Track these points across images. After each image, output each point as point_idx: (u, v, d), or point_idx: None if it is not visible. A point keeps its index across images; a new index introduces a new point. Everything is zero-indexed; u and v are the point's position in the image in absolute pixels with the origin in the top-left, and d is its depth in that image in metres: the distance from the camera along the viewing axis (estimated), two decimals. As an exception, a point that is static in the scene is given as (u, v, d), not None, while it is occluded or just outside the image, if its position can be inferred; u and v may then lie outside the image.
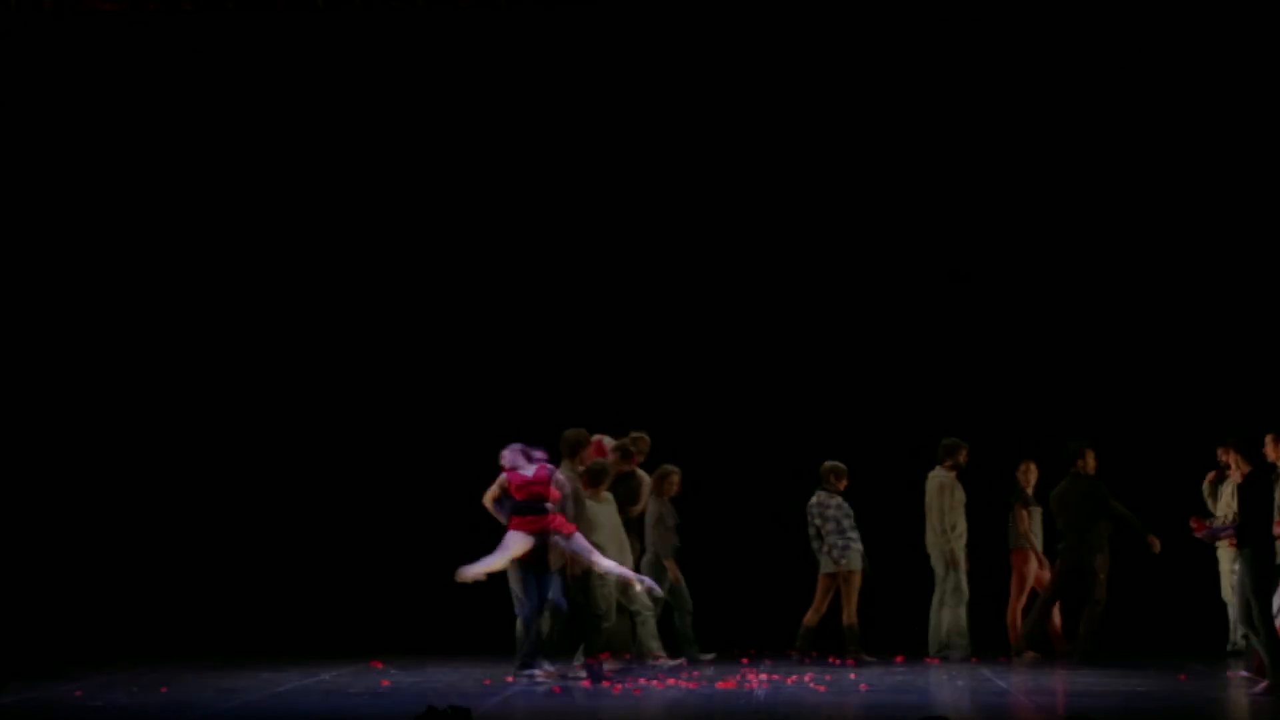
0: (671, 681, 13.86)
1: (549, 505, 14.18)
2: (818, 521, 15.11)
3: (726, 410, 16.70)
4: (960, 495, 15.22)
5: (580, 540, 13.96)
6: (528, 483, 14.17)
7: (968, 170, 16.54)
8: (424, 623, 16.41)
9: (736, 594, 16.32)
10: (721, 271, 16.75)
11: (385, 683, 14.05)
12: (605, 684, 13.72)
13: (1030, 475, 15.31)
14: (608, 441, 14.76)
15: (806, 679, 13.89)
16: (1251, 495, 12.56)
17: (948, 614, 15.27)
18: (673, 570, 15.06)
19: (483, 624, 16.33)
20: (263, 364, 16.83)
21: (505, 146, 16.65)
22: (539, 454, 14.43)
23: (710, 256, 16.73)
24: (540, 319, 16.76)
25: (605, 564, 13.92)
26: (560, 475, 14.20)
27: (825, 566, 15.12)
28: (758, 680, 13.90)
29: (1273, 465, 13.98)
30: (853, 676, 14.15)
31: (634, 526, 14.82)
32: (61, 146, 15.98)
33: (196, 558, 16.60)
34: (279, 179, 16.74)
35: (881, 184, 16.63)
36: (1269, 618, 12.54)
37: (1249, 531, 12.54)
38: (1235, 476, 13.98)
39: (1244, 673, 13.47)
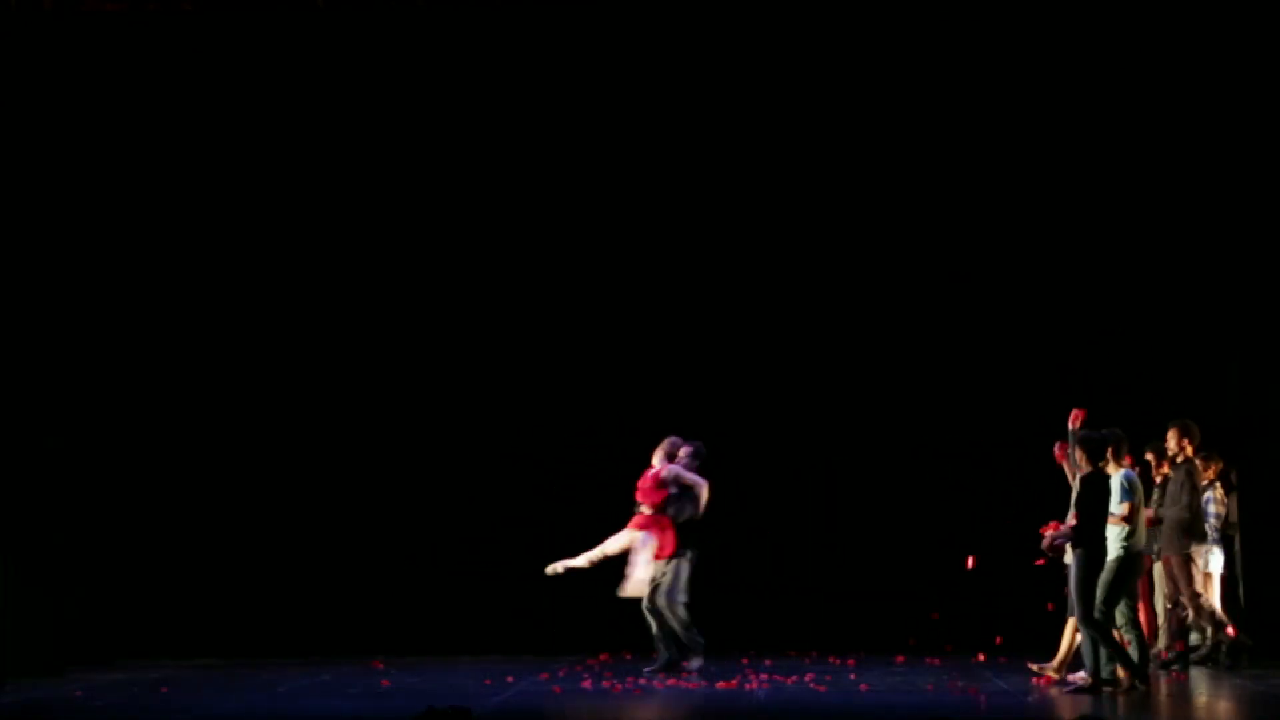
0: (672, 681, 13.87)
1: (641, 507, 14.31)
2: None
3: (726, 410, 16.68)
4: None
5: (638, 536, 14.27)
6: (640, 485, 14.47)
7: (968, 170, 16.52)
8: (424, 623, 16.41)
9: (736, 594, 16.34)
10: (722, 273, 16.74)
11: (385, 683, 14.06)
12: (606, 684, 13.75)
13: None
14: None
15: (807, 679, 13.89)
16: (1088, 496, 12.67)
17: None
18: None
19: (483, 624, 16.37)
20: (263, 364, 16.82)
21: (506, 147, 16.64)
22: (684, 449, 14.47)
23: (711, 258, 16.72)
24: (540, 320, 16.75)
25: (638, 574, 14.24)
26: (670, 472, 14.36)
27: None
28: (758, 680, 13.91)
29: (1171, 459, 14.30)
30: (853, 677, 14.16)
31: None
32: (62, 147, 15.96)
33: (196, 558, 16.60)
34: (280, 179, 16.73)
35: (882, 183, 16.62)
36: (1092, 617, 12.61)
37: (1083, 532, 12.65)
38: (1155, 476, 14.27)
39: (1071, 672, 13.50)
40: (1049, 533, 13.07)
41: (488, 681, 13.96)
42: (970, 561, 14.01)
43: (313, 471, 16.66)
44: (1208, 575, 14.56)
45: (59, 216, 15.84)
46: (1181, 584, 14.19)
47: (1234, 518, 15.37)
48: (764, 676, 14.10)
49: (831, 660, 15.31)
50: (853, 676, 14.16)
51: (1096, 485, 12.72)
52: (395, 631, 16.42)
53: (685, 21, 16.33)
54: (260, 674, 14.87)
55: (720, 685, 13.64)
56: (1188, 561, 14.21)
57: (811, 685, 13.59)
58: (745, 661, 15.22)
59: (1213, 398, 16.01)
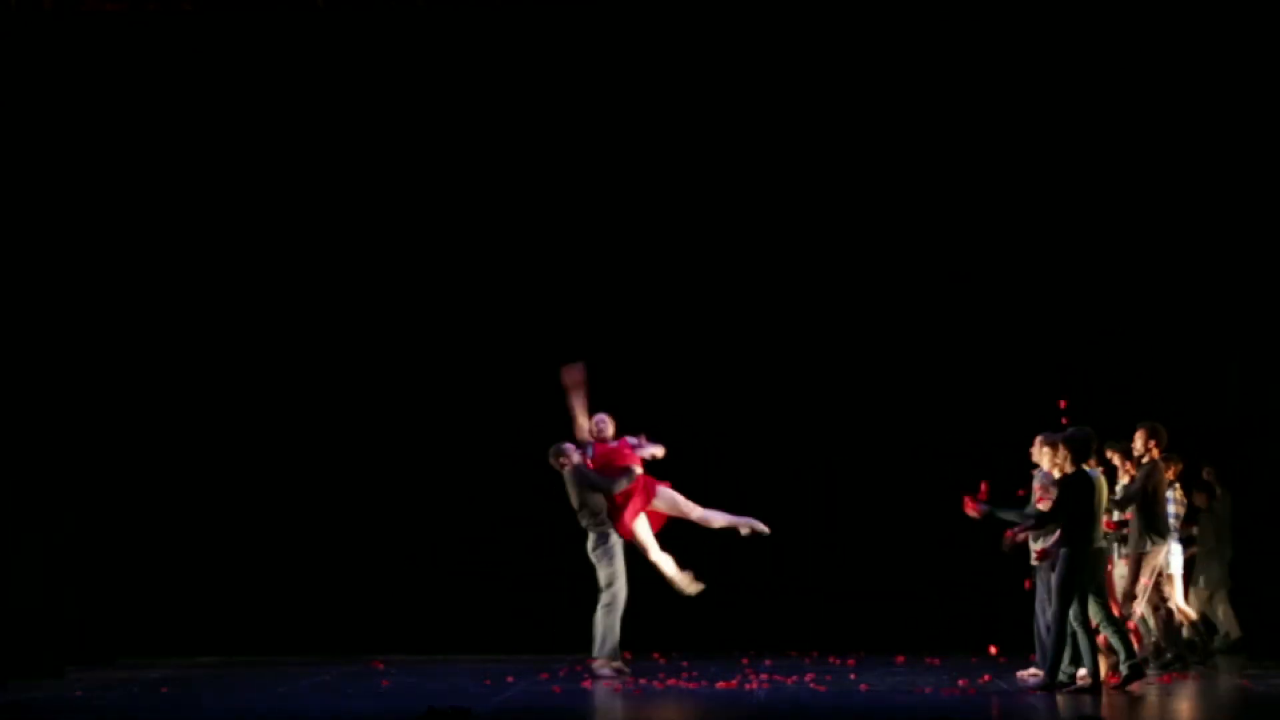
0: (671, 681, 13.87)
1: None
2: None
3: (727, 410, 16.69)
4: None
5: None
6: None
7: (969, 170, 16.52)
8: (424, 623, 16.42)
9: (736, 594, 16.34)
10: (722, 274, 16.75)
11: (385, 683, 14.06)
12: (606, 684, 13.76)
13: None
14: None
15: (807, 679, 13.89)
16: (1071, 497, 12.77)
17: None
18: None
19: (483, 624, 16.38)
20: (263, 363, 16.82)
21: (505, 146, 16.64)
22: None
23: (712, 260, 16.72)
24: (541, 321, 16.75)
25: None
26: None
27: None
28: (758, 680, 13.91)
29: (1137, 460, 14.29)
30: (853, 677, 14.16)
31: None
32: (62, 147, 15.98)
33: (196, 557, 16.60)
34: (279, 179, 16.73)
35: (883, 183, 16.61)
36: (1063, 619, 12.74)
37: (1069, 533, 12.78)
38: (1122, 478, 14.37)
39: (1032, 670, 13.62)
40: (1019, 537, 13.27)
41: (488, 681, 13.97)
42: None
43: (313, 471, 16.67)
44: (1169, 576, 14.64)
45: (60, 216, 15.85)
46: (1127, 581, 14.20)
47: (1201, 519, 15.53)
48: (764, 676, 14.10)
49: (831, 660, 15.31)
50: (853, 676, 14.16)
51: (1079, 485, 12.81)
52: (395, 631, 16.43)
53: (682, 21, 16.31)
54: (260, 674, 14.87)
55: (720, 685, 13.64)
56: (1138, 561, 14.20)
57: (811, 685, 13.59)
58: (745, 661, 15.22)
59: (1212, 398, 16.04)
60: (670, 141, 16.57)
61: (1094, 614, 12.87)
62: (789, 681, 13.81)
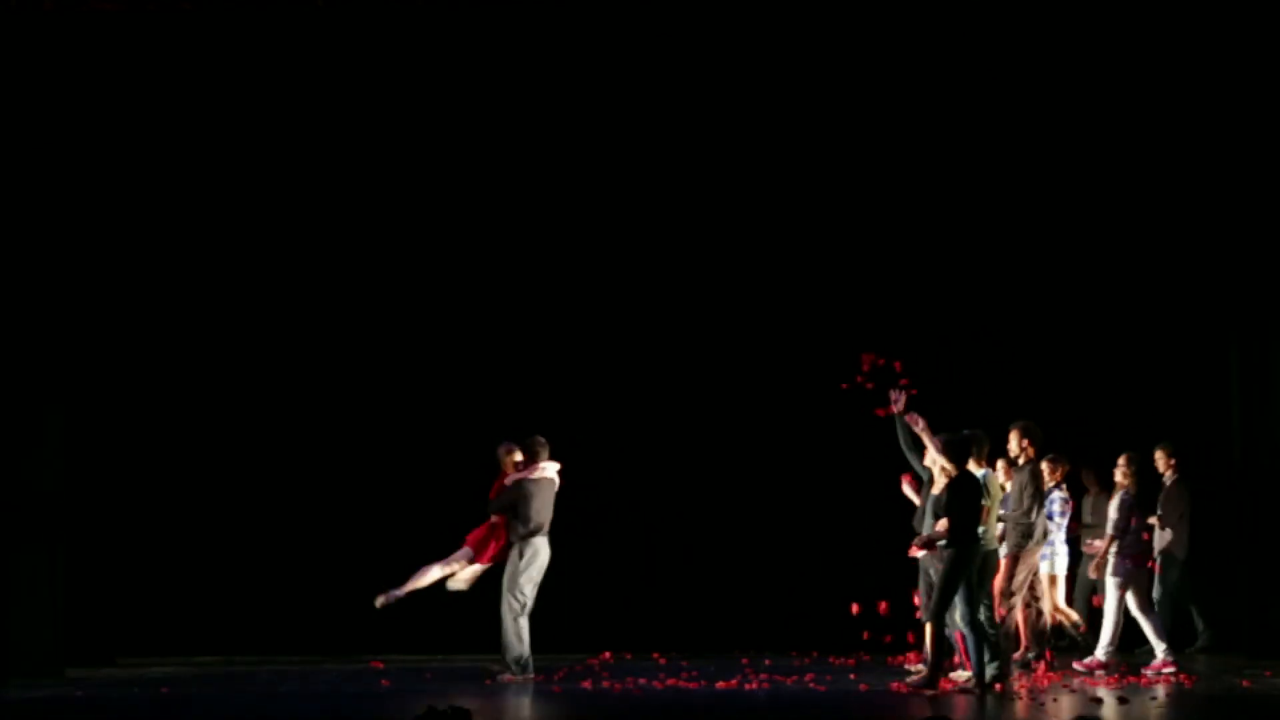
0: (671, 681, 13.87)
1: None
2: None
3: (727, 412, 16.69)
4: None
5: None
6: None
7: (966, 171, 16.53)
8: (424, 623, 16.40)
9: (737, 594, 16.34)
10: (716, 274, 16.76)
11: (385, 683, 14.06)
12: (605, 684, 13.76)
13: None
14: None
15: (807, 679, 13.90)
16: (957, 497, 12.93)
17: None
18: None
19: (482, 624, 16.37)
20: (261, 363, 16.82)
21: (502, 146, 16.63)
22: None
23: (690, 259, 16.73)
24: (534, 320, 16.75)
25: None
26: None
27: None
28: (758, 680, 13.91)
29: (1013, 460, 14.27)
30: (853, 677, 14.16)
31: None
32: (62, 146, 15.96)
33: (196, 557, 16.60)
34: (279, 178, 16.72)
35: (867, 177, 16.59)
36: (941, 616, 12.94)
37: (955, 533, 12.93)
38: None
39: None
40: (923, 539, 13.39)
41: (488, 682, 13.97)
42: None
43: (313, 471, 16.67)
44: (1052, 577, 14.68)
45: (59, 215, 15.84)
46: (1000, 580, 13.97)
47: (1089, 519, 15.47)
48: (764, 676, 14.10)
49: (831, 660, 15.31)
50: (853, 676, 14.17)
51: (965, 486, 12.96)
52: (395, 631, 16.41)
53: (675, 26, 16.23)
54: (260, 674, 14.88)
55: (720, 685, 13.64)
56: (1014, 561, 14.11)
57: (811, 685, 13.60)
58: (745, 661, 15.22)
59: (1210, 397, 16.06)
60: (664, 142, 16.51)
61: (978, 614, 12.97)
62: (789, 681, 13.81)
